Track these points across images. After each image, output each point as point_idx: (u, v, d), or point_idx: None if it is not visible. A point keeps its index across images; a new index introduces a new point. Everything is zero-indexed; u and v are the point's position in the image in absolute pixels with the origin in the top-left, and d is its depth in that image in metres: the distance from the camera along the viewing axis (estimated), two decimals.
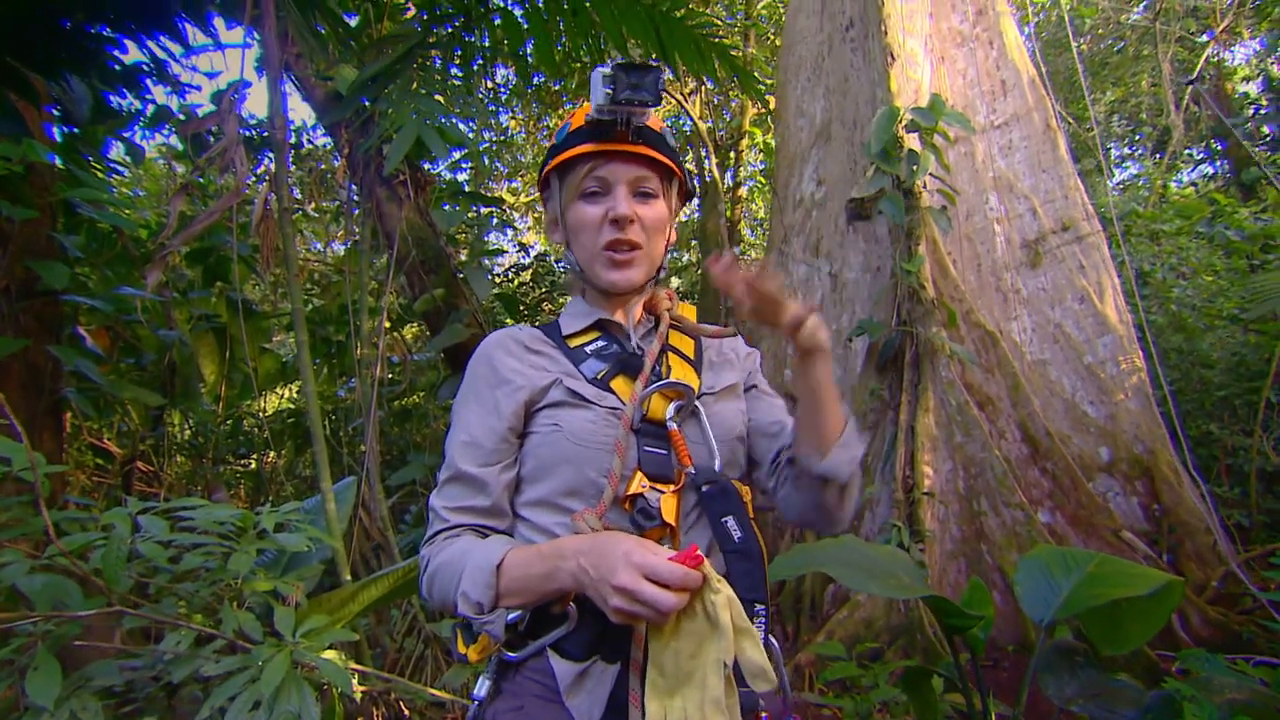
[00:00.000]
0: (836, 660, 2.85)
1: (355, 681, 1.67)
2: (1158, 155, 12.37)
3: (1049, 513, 4.01)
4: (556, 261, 6.99)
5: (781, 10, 7.20)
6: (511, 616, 0.89)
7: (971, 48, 5.42)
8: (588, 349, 1.06)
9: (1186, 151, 12.39)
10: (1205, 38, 10.82)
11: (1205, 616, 3.53)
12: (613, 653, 0.89)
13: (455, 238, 4.17)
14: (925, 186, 4.51)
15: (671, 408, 1.00)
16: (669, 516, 0.92)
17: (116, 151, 4.23)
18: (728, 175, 7.60)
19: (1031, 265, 4.87)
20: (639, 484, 0.93)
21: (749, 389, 1.17)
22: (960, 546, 3.84)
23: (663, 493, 0.94)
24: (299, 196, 7.18)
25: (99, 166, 3.42)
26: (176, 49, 2.70)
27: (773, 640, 1.03)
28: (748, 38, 7.06)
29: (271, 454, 5.88)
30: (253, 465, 5.89)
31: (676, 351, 1.09)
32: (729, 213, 6.86)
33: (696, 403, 1.02)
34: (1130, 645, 1.67)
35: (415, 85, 2.59)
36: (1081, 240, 4.81)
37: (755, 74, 8.31)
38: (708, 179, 6.58)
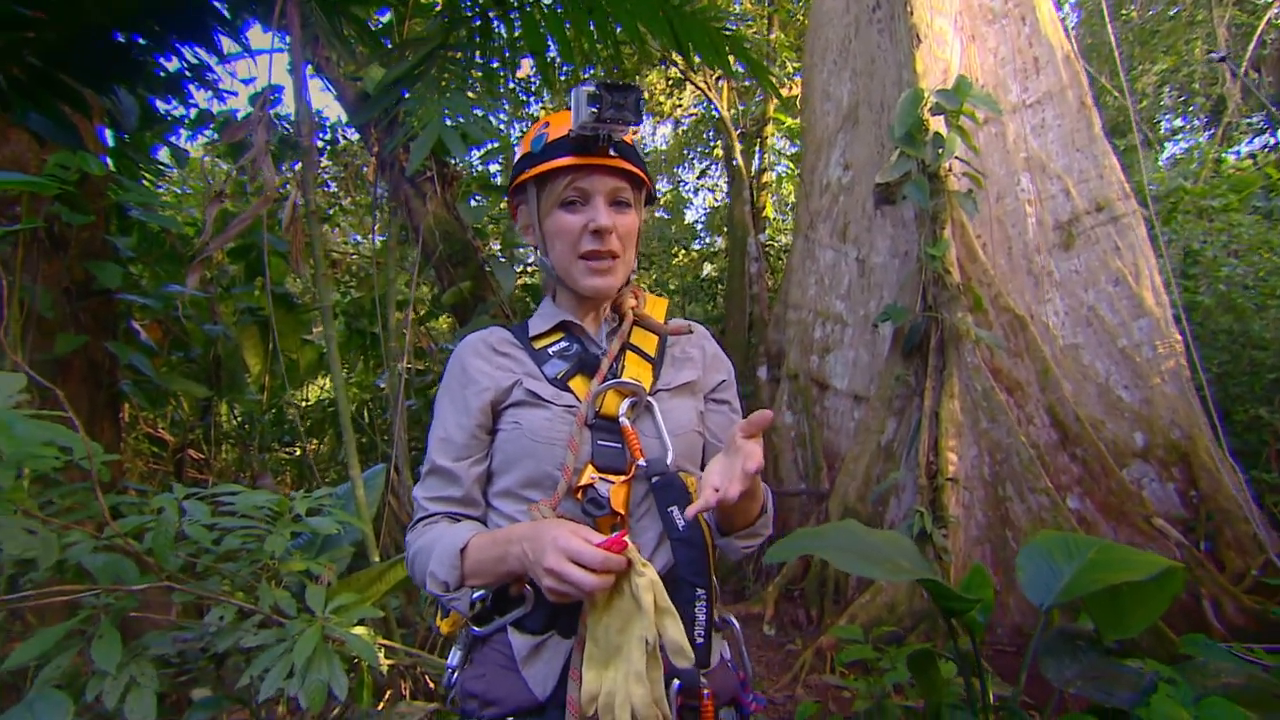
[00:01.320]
0: (854, 643, 2.90)
1: (382, 656, 1.79)
2: (1212, 127, 11.85)
3: (1078, 499, 3.96)
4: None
5: None
6: (475, 595, 1.00)
7: (1003, 24, 5.29)
8: (550, 350, 1.13)
9: (1245, 121, 11.82)
10: None
11: (1240, 605, 3.46)
12: (567, 628, 0.98)
13: (483, 231, 4.28)
14: (951, 170, 4.46)
15: (625, 404, 1.06)
16: (618, 505, 0.99)
17: (163, 154, 4.44)
18: (754, 162, 7.57)
19: (1064, 247, 4.77)
20: (589, 476, 1.00)
21: (711, 396, 1.21)
22: (985, 533, 3.83)
23: (612, 483, 1.00)
24: (335, 190, 7.39)
25: (147, 171, 3.61)
26: (212, 59, 2.85)
27: (732, 620, 1.12)
28: (772, 22, 6.99)
29: (314, 442, 6.12)
30: (297, 453, 6.15)
31: (637, 350, 1.15)
32: (755, 200, 6.84)
33: (650, 399, 1.08)
34: (1133, 630, 1.69)
35: (443, 83, 2.67)
36: (1117, 220, 4.69)
37: (781, 58, 8.25)
38: (734, 165, 6.57)
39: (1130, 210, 4.70)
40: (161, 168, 4.07)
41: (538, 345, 1.15)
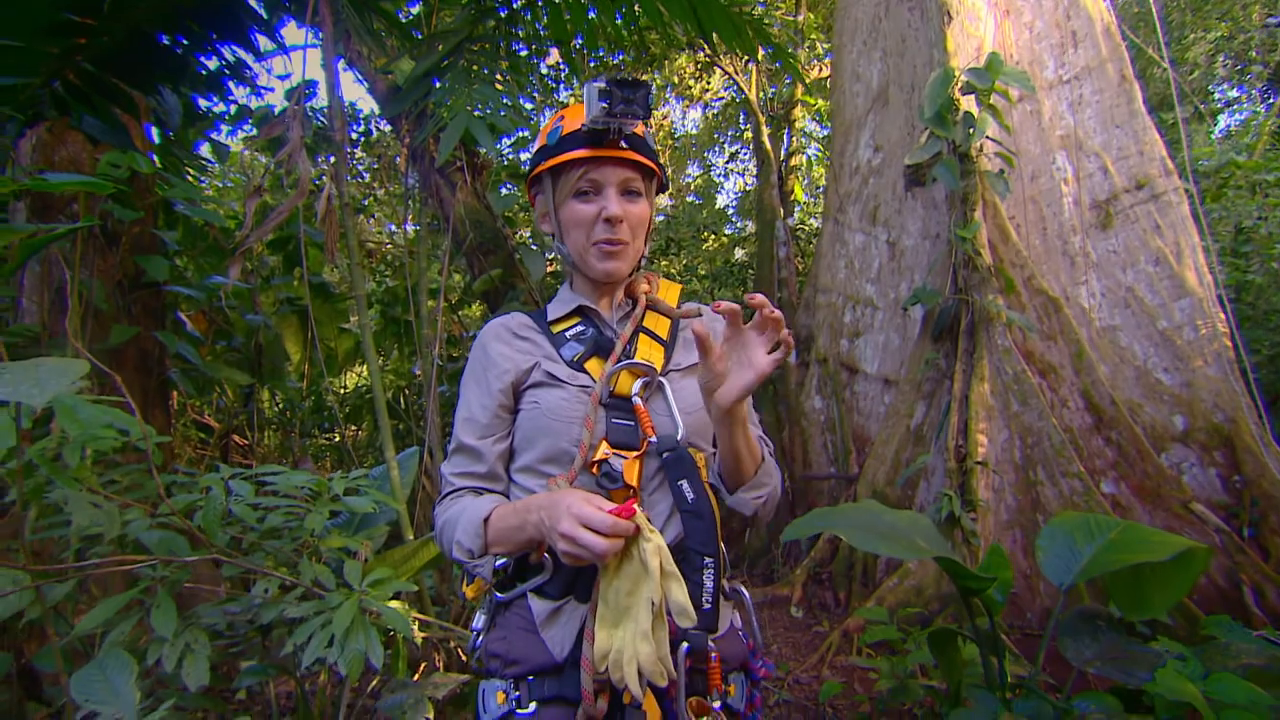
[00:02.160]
0: (879, 624, 2.93)
1: (416, 628, 1.88)
2: (1271, 97, 11.32)
3: (1113, 483, 3.90)
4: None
5: None
6: (499, 563, 1.07)
7: None
8: (567, 334, 1.20)
9: None
10: None
11: None
12: (584, 594, 1.05)
13: (513, 219, 4.35)
14: (982, 150, 4.38)
15: (638, 384, 1.12)
16: (630, 479, 1.05)
17: (204, 150, 4.61)
18: (783, 145, 7.50)
19: (1102, 227, 4.66)
20: (603, 451, 1.06)
21: None
22: (1016, 517, 3.80)
23: (626, 459, 1.06)
24: (369, 181, 7.54)
25: (191, 166, 3.75)
26: (249, 57, 2.95)
27: (743, 590, 1.17)
28: (800, 3, 6.90)
29: (353, 428, 6.31)
30: (337, 438, 6.35)
31: (649, 333, 1.21)
32: (784, 183, 6.79)
33: (662, 379, 1.14)
34: (1153, 611, 1.69)
35: (473, 73, 2.73)
36: (1158, 198, 4.56)
37: (811, 39, 8.14)
38: (762, 148, 6.52)
39: (1172, 187, 4.56)
40: (204, 163, 4.22)
41: (555, 329, 1.21)
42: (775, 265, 5.88)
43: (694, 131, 14.01)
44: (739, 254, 9.53)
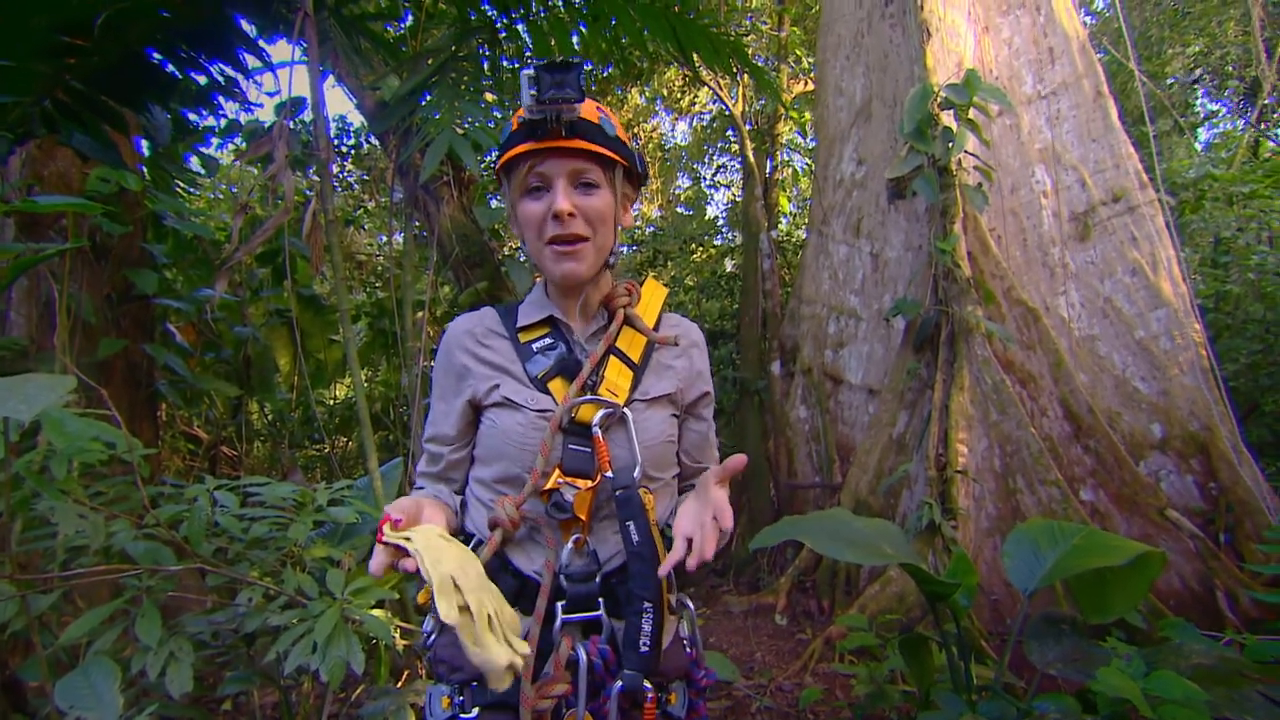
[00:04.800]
0: (859, 631, 2.97)
1: (398, 636, 1.91)
2: (1248, 111, 11.53)
3: (1091, 491, 3.97)
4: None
5: None
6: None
7: (1017, 15, 5.26)
8: (535, 346, 1.16)
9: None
10: None
11: (1255, 597, 3.45)
12: (528, 608, 1.04)
13: (499, 232, 4.41)
14: (961, 164, 4.47)
15: (600, 414, 1.09)
16: (581, 510, 1.05)
17: (194, 163, 4.65)
18: (768, 158, 7.61)
19: (1080, 238, 4.75)
20: (555, 480, 1.05)
21: (690, 411, 1.25)
22: (996, 524, 3.86)
23: (578, 489, 1.05)
24: (359, 193, 7.59)
25: (180, 180, 3.79)
26: (239, 75, 3.00)
27: (688, 602, 1.20)
28: (783, 19, 7.02)
29: (342, 439, 6.33)
30: (327, 450, 6.36)
31: (620, 355, 1.16)
32: (768, 196, 6.88)
33: (625, 410, 1.10)
34: (1115, 613, 1.74)
35: (461, 88, 2.79)
36: (1134, 211, 4.66)
37: (795, 54, 8.26)
38: (746, 161, 6.62)
39: (1147, 200, 4.67)
40: (194, 176, 4.27)
41: (524, 338, 1.17)
42: (760, 277, 5.96)
43: (683, 144, 14.13)
44: (728, 265, 9.62)
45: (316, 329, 5.56)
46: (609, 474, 1.07)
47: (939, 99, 4.28)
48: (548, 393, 1.12)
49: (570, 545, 1.07)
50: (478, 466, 1.17)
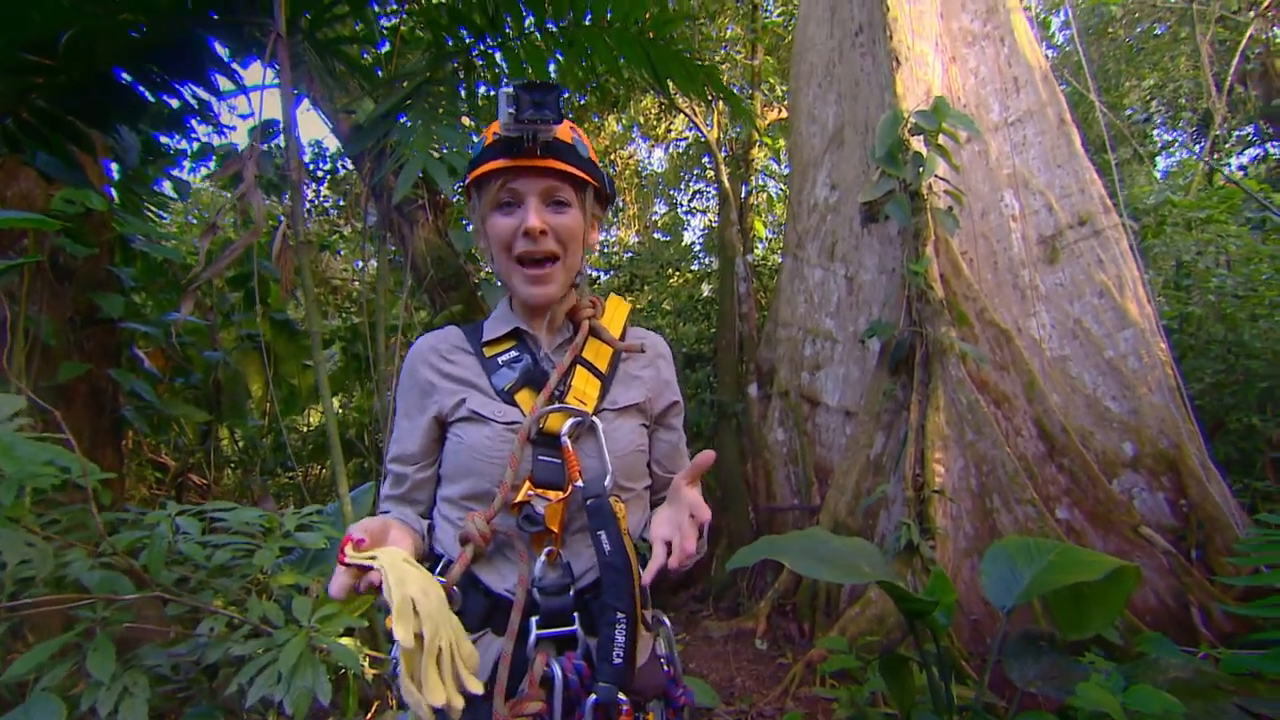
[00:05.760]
0: (839, 654, 2.94)
1: (367, 665, 1.85)
2: (1201, 140, 11.97)
3: (1066, 509, 4.00)
4: None
5: (794, 7, 7.29)
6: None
7: (983, 46, 5.43)
8: (500, 359, 1.15)
9: (1236, 134, 11.96)
10: (1252, 13, 10.45)
11: (1228, 612, 3.49)
12: (502, 626, 1.02)
13: (475, 256, 4.40)
14: (932, 188, 4.56)
15: (569, 423, 1.08)
16: (552, 522, 1.04)
17: (166, 187, 4.59)
18: (743, 184, 7.72)
19: (1049, 261, 4.86)
20: (525, 493, 1.04)
21: (659, 421, 1.24)
22: (974, 544, 3.87)
23: (549, 500, 1.04)
24: (335, 218, 7.54)
25: (151, 203, 3.74)
26: (211, 97, 2.97)
27: (664, 619, 1.17)
28: (756, 48, 7.17)
29: (317, 466, 6.20)
30: (300, 476, 6.22)
31: (587, 365, 1.16)
32: (744, 220, 6.97)
33: (595, 419, 1.10)
34: (1093, 629, 1.74)
35: (439, 112, 2.79)
36: (1099, 234, 4.78)
37: (770, 83, 8.43)
38: (721, 187, 6.70)
39: (1112, 224, 4.79)
40: (165, 199, 4.21)
41: (489, 352, 1.16)
42: (736, 300, 5.99)
43: (660, 170, 14.29)
44: (705, 290, 9.68)
45: (290, 354, 5.47)
46: (579, 484, 1.05)
47: (909, 125, 4.38)
48: (515, 405, 1.10)
49: (543, 558, 1.05)
50: (445, 485, 1.15)
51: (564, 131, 1.09)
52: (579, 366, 1.15)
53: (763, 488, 5.45)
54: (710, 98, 3.04)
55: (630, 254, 11.50)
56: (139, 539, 1.71)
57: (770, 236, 10.03)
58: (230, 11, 2.52)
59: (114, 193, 3.66)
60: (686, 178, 13.13)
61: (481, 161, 1.09)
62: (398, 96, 2.75)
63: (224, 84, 2.81)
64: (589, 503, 1.04)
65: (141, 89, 2.48)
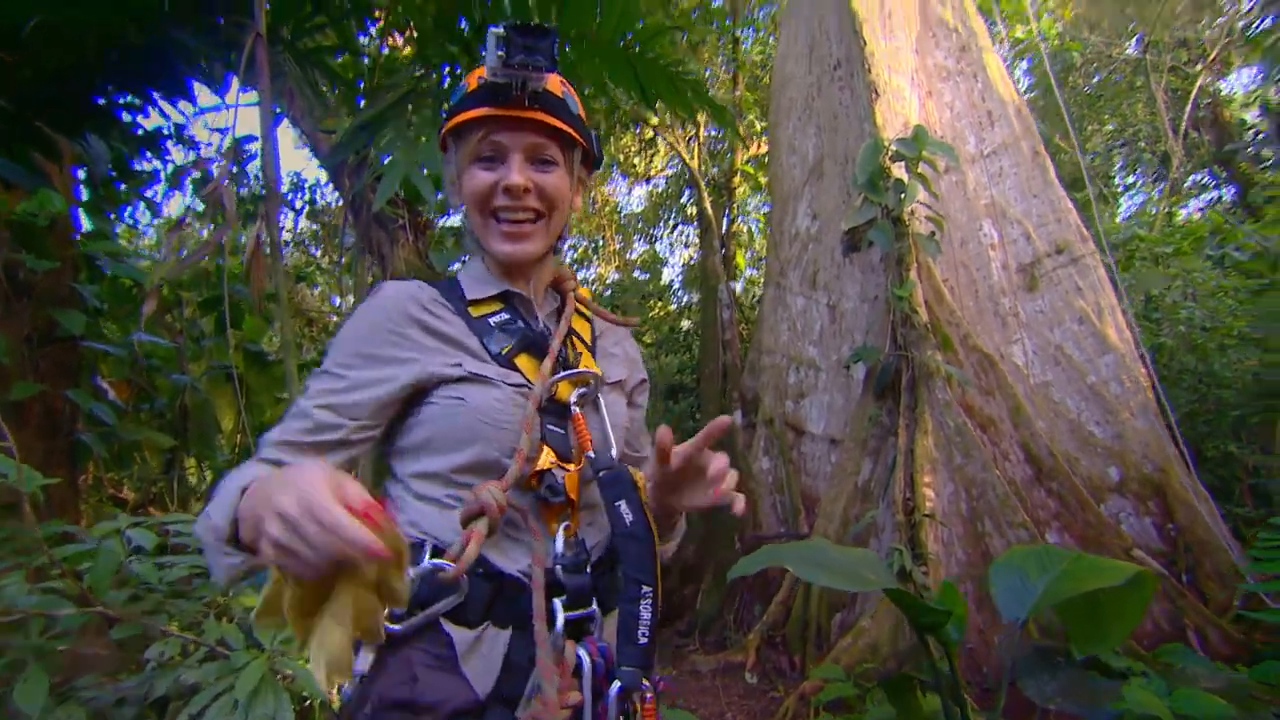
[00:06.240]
0: (835, 682, 2.81)
1: (335, 693, 1.69)
2: (1161, 182, 12.41)
3: (1057, 534, 3.94)
4: None
5: (772, 47, 7.46)
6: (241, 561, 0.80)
7: (956, 82, 5.57)
8: (491, 320, 1.03)
9: (1191, 179, 12.44)
10: (1200, 65, 10.96)
11: (1224, 634, 3.42)
12: (503, 617, 0.92)
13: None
14: (914, 214, 4.60)
15: (576, 393, 1.01)
16: (572, 493, 0.96)
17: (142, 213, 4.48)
18: (724, 214, 7.79)
19: (1029, 289, 4.90)
20: (546, 460, 0.95)
21: (632, 400, 1.18)
22: (967, 569, 3.78)
23: (566, 470, 0.96)
24: (314, 253, 7.43)
25: (121, 224, 3.62)
26: (188, 109, 2.90)
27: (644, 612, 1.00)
28: (737, 81, 7.31)
29: None
30: None
31: (577, 336, 1.10)
32: (726, 249, 7.00)
33: (597, 392, 1.04)
34: (1112, 642, 1.65)
35: (416, 123, 2.73)
36: (1077, 262, 4.85)
37: (749, 119, 8.60)
38: (704, 216, 6.74)
39: (1088, 251, 4.87)
40: (134, 224, 4.10)
41: (475, 313, 1.04)
42: (719, 328, 5.96)
43: (639, 209, 14.44)
44: (685, 325, 9.68)
45: (262, 386, 5.30)
46: (590, 454, 0.98)
47: (890, 152, 4.43)
48: (516, 369, 1.00)
49: (561, 534, 0.95)
50: (427, 458, 0.97)
51: (554, 83, 1.01)
52: (572, 337, 1.08)
53: (749, 516, 5.33)
54: (694, 111, 3.03)
55: (609, 291, 11.52)
56: (83, 551, 1.56)
57: (751, 274, 10.11)
58: (209, 13, 2.46)
59: (80, 215, 3.53)
60: (665, 215, 13.27)
61: (462, 109, 0.99)
62: (380, 105, 2.70)
63: (201, 99, 2.74)
64: (603, 473, 0.97)
65: (117, 94, 2.40)
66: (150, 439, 3.53)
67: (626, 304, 8.28)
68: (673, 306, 11.19)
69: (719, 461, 0.93)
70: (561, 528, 0.96)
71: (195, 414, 4.13)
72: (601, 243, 12.68)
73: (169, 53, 2.52)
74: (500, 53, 0.93)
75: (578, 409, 1.01)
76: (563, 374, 1.01)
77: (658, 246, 13.41)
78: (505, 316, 1.05)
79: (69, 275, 3.24)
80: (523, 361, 1.01)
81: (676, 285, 13.15)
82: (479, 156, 1.00)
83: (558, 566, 0.93)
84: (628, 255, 14.46)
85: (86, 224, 3.70)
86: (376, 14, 2.78)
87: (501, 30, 0.93)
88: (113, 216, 3.73)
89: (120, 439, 3.57)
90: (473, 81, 1.00)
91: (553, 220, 1.04)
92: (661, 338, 8.58)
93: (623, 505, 0.94)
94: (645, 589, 0.91)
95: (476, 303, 1.05)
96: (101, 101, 2.51)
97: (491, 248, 1.03)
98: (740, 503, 0.93)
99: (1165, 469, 4.16)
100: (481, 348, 1.01)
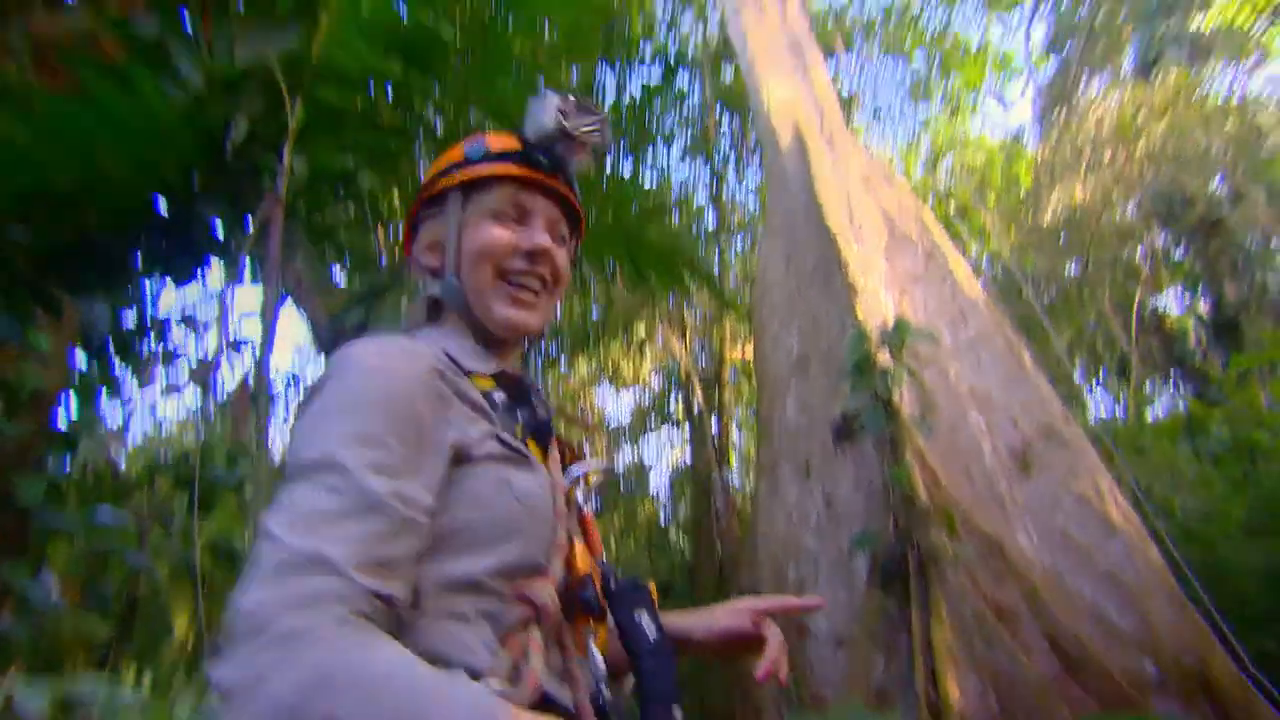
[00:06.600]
0: None
1: None
2: (1125, 386, 12.98)
3: None
4: None
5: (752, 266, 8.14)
6: None
7: (926, 284, 6.01)
8: (495, 397, 0.86)
9: (1150, 382, 13.06)
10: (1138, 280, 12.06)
11: None
12: None
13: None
14: (903, 398, 4.68)
15: (581, 489, 0.92)
16: (603, 600, 0.84)
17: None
18: (714, 411, 7.95)
19: (1023, 472, 4.86)
20: (585, 562, 0.82)
21: None
22: None
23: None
24: None
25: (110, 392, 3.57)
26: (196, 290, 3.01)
27: None
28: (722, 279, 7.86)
29: None
30: None
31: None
32: (719, 441, 7.03)
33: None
34: None
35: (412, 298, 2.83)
36: (1067, 445, 4.87)
37: (733, 318, 9.14)
38: (694, 409, 6.84)
39: (1077, 434, 4.91)
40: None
41: (479, 385, 0.87)
42: (714, 516, 5.77)
43: (626, 420, 14.70)
44: (673, 535, 9.41)
45: (228, 588, 4.89)
46: (602, 560, 0.89)
47: (874, 342, 4.62)
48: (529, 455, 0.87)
49: (595, 649, 0.81)
50: (459, 558, 0.73)
51: (579, 164, 0.98)
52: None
53: None
54: (686, 285, 3.20)
55: (597, 501, 11.32)
56: None
57: (739, 476, 10.08)
58: (235, 195, 2.65)
59: (72, 399, 3.50)
60: (652, 419, 13.47)
61: (487, 161, 0.92)
62: (384, 276, 2.83)
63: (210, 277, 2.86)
64: (621, 581, 0.87)
65: (131, 253, 2.49)
66: (83, 627, 3.15)
67: (611, 497, 8.10)
68: (660, 510, 10.97)
69: (778, 636, 0.92)
70: (591, 641, 0.81)
71: (144, 607, 3.75)
72: (590, 442, 12.73)
73: (192, 228, 2.67)
74: (560, 117, 0.90)
75: (586, 507, 0.92)
76: (590, 465, 0.92)
77: (644, 449, 13.44)
78: (503, 396, 0.88)
79: (41, 447, 3.13)
80: (532, 449, 0.86)
81: (664, 493, 13.00)
82: (498, 213, 0.92)
83: (601, 688, 0.79)
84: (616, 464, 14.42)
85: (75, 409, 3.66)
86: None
87: (559, 97, 0.91)
88: (104, 393, 3.69)
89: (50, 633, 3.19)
90: (498, 144, 0.94)
91: (555, 297, 0.97)
92: (651, 539, 8.29)
93: (643, 618, 0.83)
94: (676, 708, 0.77)
95: (473, 376, 0.87)
96: (117, 266, 2.59)
97: (494, 311, 0.90)
98: (785, 672, 0.92)
99: (1205, 659, 3.81)
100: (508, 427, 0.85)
